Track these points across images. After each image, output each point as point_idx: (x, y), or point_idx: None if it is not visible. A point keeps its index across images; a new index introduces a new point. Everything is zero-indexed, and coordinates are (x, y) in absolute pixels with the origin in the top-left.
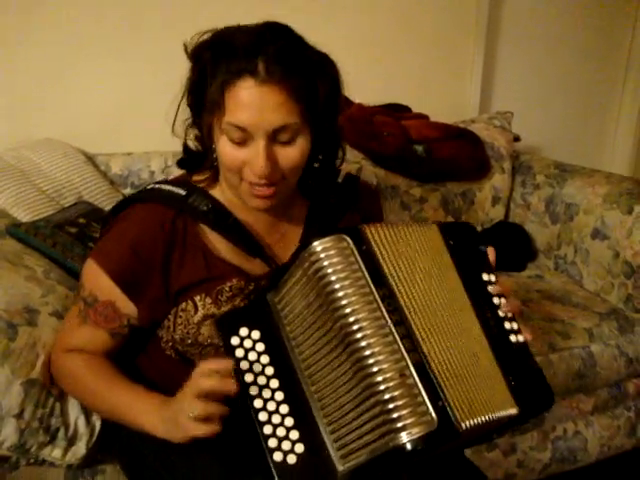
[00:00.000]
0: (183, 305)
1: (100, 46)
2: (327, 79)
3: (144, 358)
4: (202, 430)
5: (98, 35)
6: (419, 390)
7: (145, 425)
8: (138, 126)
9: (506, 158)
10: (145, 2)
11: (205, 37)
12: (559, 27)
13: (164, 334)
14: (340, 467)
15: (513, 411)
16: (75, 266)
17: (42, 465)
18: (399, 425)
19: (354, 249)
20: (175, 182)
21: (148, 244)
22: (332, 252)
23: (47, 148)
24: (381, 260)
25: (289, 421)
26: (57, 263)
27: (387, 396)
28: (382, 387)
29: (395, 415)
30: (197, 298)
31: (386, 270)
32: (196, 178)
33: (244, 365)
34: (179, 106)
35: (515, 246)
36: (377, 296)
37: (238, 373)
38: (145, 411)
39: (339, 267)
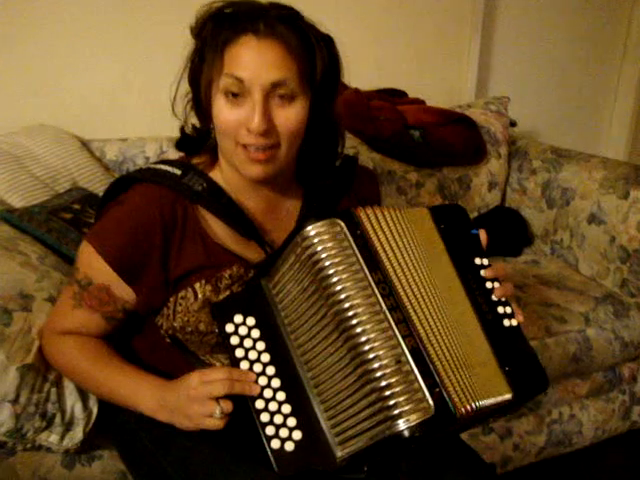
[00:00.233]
0: (183, 293)
1: (94, 31)
2: (327, 54)
3: (141, 342)
4: (216, 425)
5: (92, 19)
6: (415, 376)
7: (143, 409)
8: (133, 111)
9: (502, 143)
10: None
11: (207, 9)
12: (556, 12)
13: (164, 322)
14: (338, 453)
15: (508, 396)
16: (70, 252)
17: (39, 450)
18: (396, 412)
19: (348, 233)
20: (172, 162)
21: (146, 229)
22: (326, 237)
23: (41, 134)
24: (376, 244)
25: (286, 408)
26: (52, 249)
27: (384, 383)
28: (378, 374)
29: (392, 402)
30: (197, 285)
31: (381, 254)
32: (195, 161)
33: (239, 352)
34: (179, 83)
35: (511, 231)
36: (372, 281)
37: (233, 361)
38: (143, 395)
39: (333, 252)
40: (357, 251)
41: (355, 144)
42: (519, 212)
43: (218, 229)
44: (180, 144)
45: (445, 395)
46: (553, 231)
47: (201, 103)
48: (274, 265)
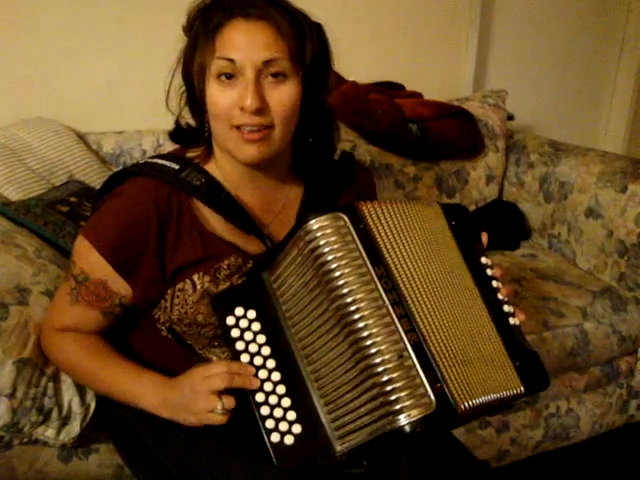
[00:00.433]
0: (180, 285)
1: (91, 24)
2: (317, 39)
3: (138, 337)
4: (218, 420)
5: (89, 13)
6: (417, 372)
7: (145, 406)
8: (130, 104)
9: (500, 137)
10: None
11: (196, 5)
12: (554, 5)
13: (161, 315)
14: (338, 447)
15: (520, 389)
16: (67, 245)
17: (36, 444)
18: (397, 407)
19: (351, 227)
20: (169, 157)
21: (142, 222)
22: (329, 231)
23: (38, 127)
24: (379, 239)
25: (286, 402)
26: (48, 242)
27: (385, 378)
28: (380, 369)
29: (393, 397)
30: (195, 277)
31: (383, 249)
32: (190, 154)
33: (240, 345)
34: (172, 77)
35: (509, 225)
36: (374, 275)
37: (234, 354)
38: (145, 393)
39: (336, 246)
40: (360, 245)
41: (352, 138)
42: (517, 206)
43: (214, 221)
44: (175, 135)
45: (446, 391)
46: (551, 225)
47: (195, 94)
48: (276, 258)
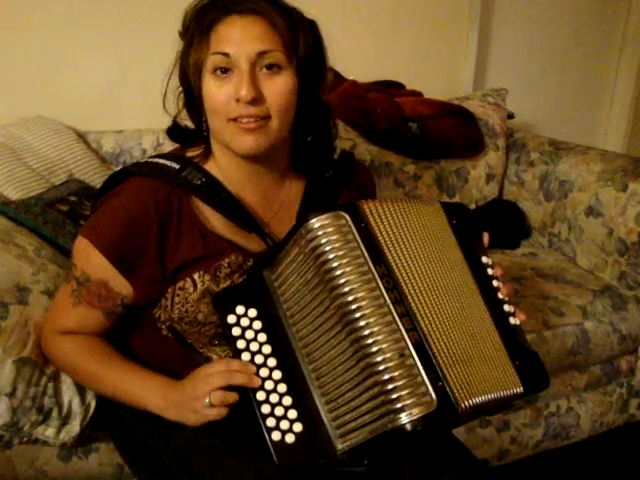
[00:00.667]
0: (181, 283)
1: (90, 22)
2: (310, 34)
3: (139, 337)
4: (214, 414)
5: (89, 11)
6: (419, 370)
7: (150, 407)
8: (129, 103)
9: (500, 135)
10: None
11: (192, 7)
12: (555, 3)
13: (161, 314)
14: (339, 446)
15: (519, 389)
16: (66, 244)
17: (35, 444)
18: (399, 406)
19: (352, 226)
20: (169, 156)
21: (142, 220)
22: (330, 229)
23: (38, 126)
24: (380, 237)
25: (287, 400)
26: (48, 241)
27: (386, 376)
28: (381, 367)
29: (395, 396)
30: (196, 275)
31: (385, 247)
32: (190, 153)
33: (241, 344)
34: (169, 78)
35: (509, 224)
36: (376, 274)
37: (235, 352)
38: (149, 394)
39: (337, 245)
40: (361, 244)
41: (352, 136)
42: (517, 204)
43: (215, 219)
44: (172, 133)
45: (448, 389)
46: (551, 224)
47: (192, 93)
48: (277, 257)
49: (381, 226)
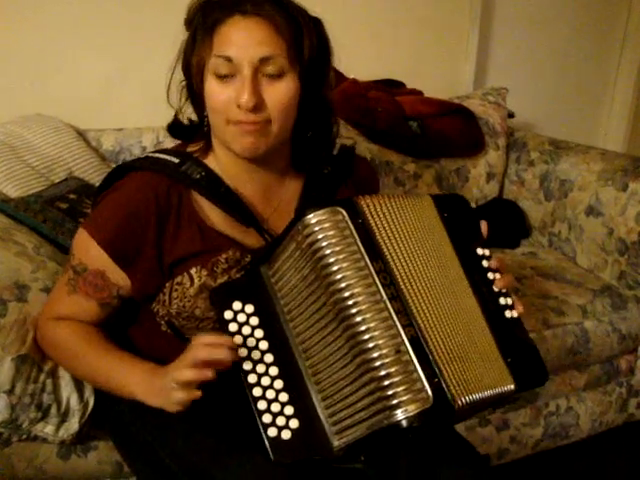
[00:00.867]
0: (179, 278)
1: (91, 20)
2: (314, 33)
3: (138, 332)
4: (180, 395)
5: (89, 10)
6: (415, 367)
7: (133, 392)
8: (129, 101)
9: (500, 134)
10: None
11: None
12: (555, 2)
13: (160, 308)
14: (335, 442)
15: (511, 387)
16: (66, 242)
17: (34, 441)
18: (395, 402)
19: (349, 222)
20: (169, 151)
21: (141, 214)
22: (327, 225)
23: (37, 124)
24: (377, 233)
25: (283, 396)
26: (47, 239)
27: (383, 373)
28: (378, 363)
29: (391, 392)
30: (193, 270)
31: (382, 243)
32: (190, 149)
33: (238, 339)
34: (173, 71)
35: (509, 223)
36: (372, 270)
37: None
38: (136, 380)
39: (334, 241)
40: (358, 240)
41: (352, 135)
42: (517, 204)
43: (213, 214)
44: (173, 129)
45: (444, 386)
46: (551, 223)
47: (194, 88)
48: (274, 252)
49: (378, 222)
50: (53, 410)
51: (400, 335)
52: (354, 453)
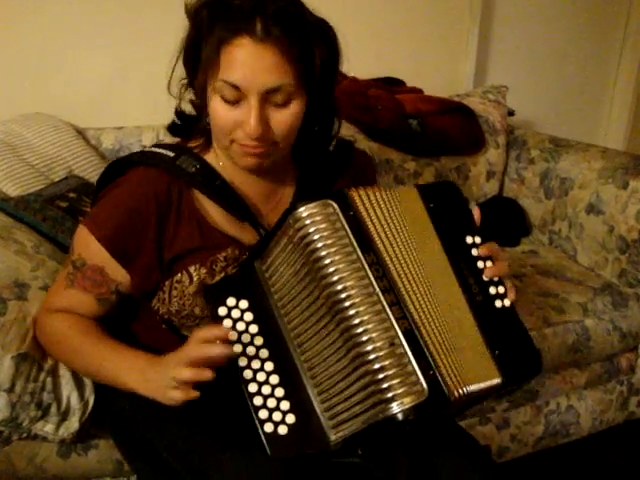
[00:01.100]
0: (178, 276)
1: (91, 19)
2: (325, 44)
3: (140, 328)
4: (178, 394)
5: (89, 8)
6: (409, 359)
7: (126, 382)
8: (129, 100)
9: (500, 132)
10: None
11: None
12: (554, 2)
13: (160, 306)
14: (332, 437)
15: (497, 381)
16: (65, 240)
17: (35, 440)
18: (389, 395)
19: (340, 214)
20: (165, 146)
21: (141, 211)
22: (318, 218)
23: (37, 122)
24: (369, 225)
25: (279, 392)
26: (47, 237)
27: (377, 366)
28: (371, 357)
29: (385, 385)
30: (192, 268)
31: (374, 235)
32: (190, 145)
33: (232, 336)
34: (175, 65)
35: (509, 221)
36: (365, 263)
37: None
38: (130, 370)
39: (325, 234)
40: (350, 232)
41: (353, 133)
42: (517, 202)
43: (213, 212)
44: (173, 128)
45: (439, 378)
46: (551, 221)
47: (196, 95)
48: (267, 247)
49: (372, 213)
50: (53, 409)
51: (394, 328)
52: (351, 447)
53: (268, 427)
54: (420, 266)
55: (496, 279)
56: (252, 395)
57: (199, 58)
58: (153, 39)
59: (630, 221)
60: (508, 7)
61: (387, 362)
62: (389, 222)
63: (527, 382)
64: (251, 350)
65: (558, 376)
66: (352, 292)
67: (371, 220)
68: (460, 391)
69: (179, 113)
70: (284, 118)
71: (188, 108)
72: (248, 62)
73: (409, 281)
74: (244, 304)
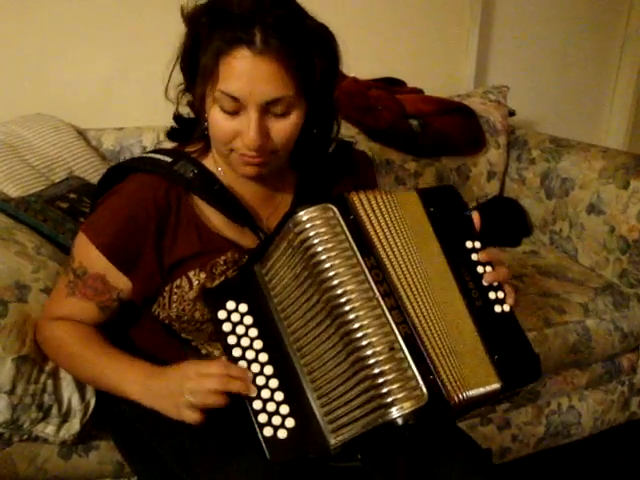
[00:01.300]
0: (178, 282)
1: (91, 20)
2: (325, 52)
3: (139, 334)
4: (193, 418)
5: (89, 9)
6: (409, 364)
7: (128, 392)
8: (130, 101)
9: (501, 133)
10: None
11: (202, 1)
12: (554, 1)
13: (160, 311)
14: (331, 441)
15: (496, 386)
16: (66, 241)
17: (35, 441)
18: (389, 400)
19: (340, 218)
20: (163, 151)
21: (140, 218)
22: (318, 222)
23: (37, 123)
24: (370, 229)
25: (279, 395)
26: (48, 239)
27: (376, 370)
28: (371, 361)
29: (385, 390)
30: (191, 273)
31: (374, 239)
32: (188, 149)
33: (232, 340)
34: (172, 71)
35: (510, 221)
36: (365, 267)
37: (226, 348)
38: (128, 379)
39: (325, 238)
40: (350, 236)
41: (353, 133)
42: (518, 202)
43: (212, 216)
44: (172, 134)
45: (439, 383)
46: (552, 221)
47: (195, 104)
48: (267, 251)
49: (372, 217)
50: (54, 410)
51: (394, 332)
52: (351, 451)
53: (267, 431)
54: (420, 270)
55: (496, 284)
56: (251, 399)
57: (197, 66)
58: (153, 39)
59: (631, 221)
60: (508, 7)
61: (387, 367)
62: (389, 226)
63: (525, 387)
64: (251, 354)
65: (559, 376)
66: (352, 296)
67: (371, 224)
68: (460, 396)
69: (177, 117)
70: (284, 128)
71: (186, 111)
72: (247, 74)
73: (409, 285)
74: (244, 308)
